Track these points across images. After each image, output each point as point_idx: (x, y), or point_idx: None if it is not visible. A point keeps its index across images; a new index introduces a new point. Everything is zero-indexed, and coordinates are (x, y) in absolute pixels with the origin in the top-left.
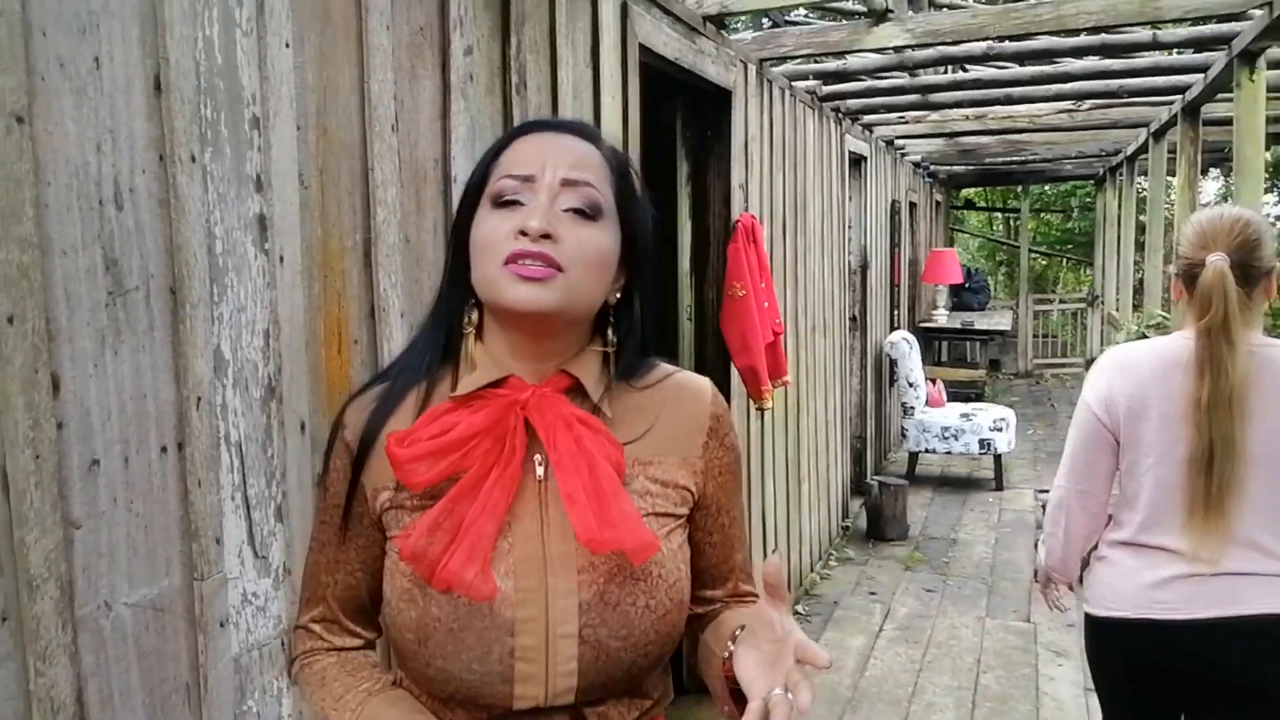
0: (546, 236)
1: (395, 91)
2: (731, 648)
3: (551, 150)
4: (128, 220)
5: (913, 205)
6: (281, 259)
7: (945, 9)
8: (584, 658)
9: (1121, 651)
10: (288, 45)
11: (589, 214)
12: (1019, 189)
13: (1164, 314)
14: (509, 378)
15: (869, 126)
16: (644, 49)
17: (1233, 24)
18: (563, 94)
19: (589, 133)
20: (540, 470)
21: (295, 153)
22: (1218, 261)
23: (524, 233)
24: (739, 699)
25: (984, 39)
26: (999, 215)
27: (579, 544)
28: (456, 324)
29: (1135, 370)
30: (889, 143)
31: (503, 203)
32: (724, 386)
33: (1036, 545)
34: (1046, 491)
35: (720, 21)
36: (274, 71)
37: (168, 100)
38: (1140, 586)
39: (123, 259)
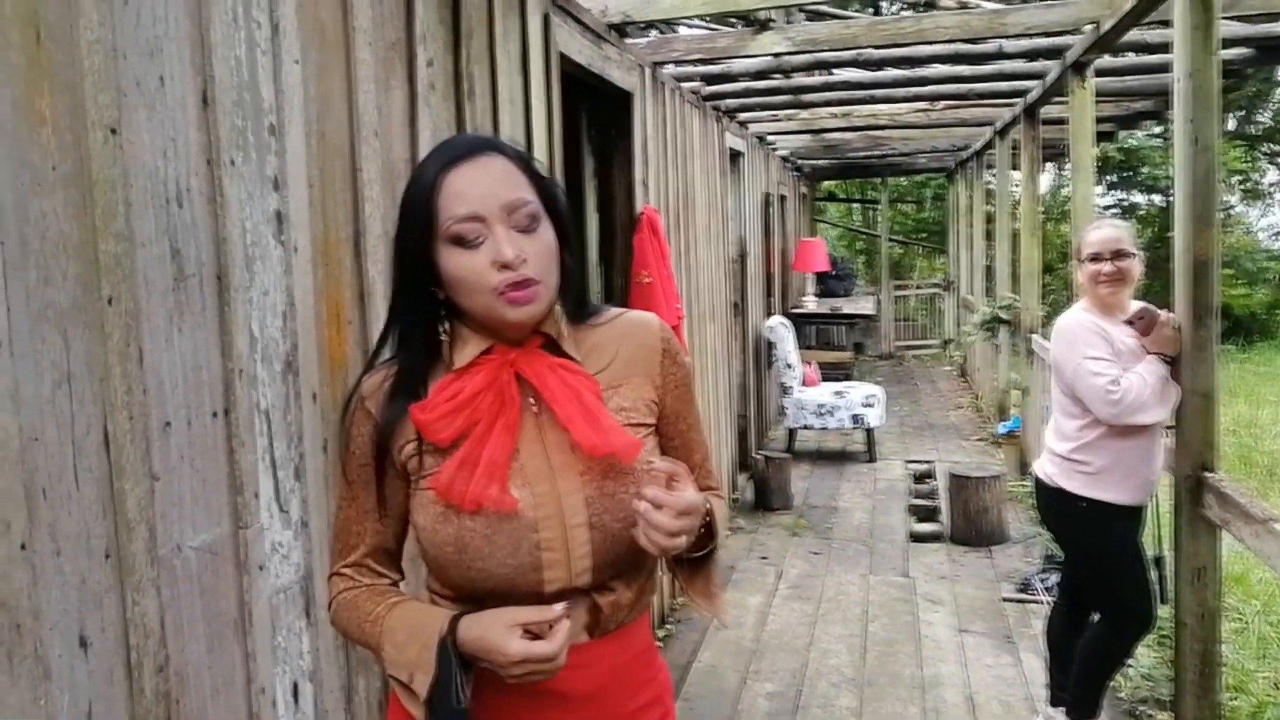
0: (522, 260)
1: (376, 100)
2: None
3: (481, 182)
4: (186, 216)
5: (783, 198)
6: (295, 249)
7: (820, 19)
8: (595, 541)
9: None
10: (296, 61)
11: (532, 224)
12: (878, 181)
13: (1014, 296)
14: (494, 345)
15: (745, 124)
16: (563, 56)
17: (1066, 38)
18: (501, 100)
19: (492, 145)
20: (535, 408)
21: (304, 156)
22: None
23: (504, 265)
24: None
25: (854, 47)
26: (857, 206)
27: (576, 454)
28: (432, 327)
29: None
30: (761, 139)
31: (466, 243)
32: None
33: (933, 508)
34: (915, 461)
35: (622, 30)
36: (287, 85)
37: (213, 112)
38: None
39: (184, 250)
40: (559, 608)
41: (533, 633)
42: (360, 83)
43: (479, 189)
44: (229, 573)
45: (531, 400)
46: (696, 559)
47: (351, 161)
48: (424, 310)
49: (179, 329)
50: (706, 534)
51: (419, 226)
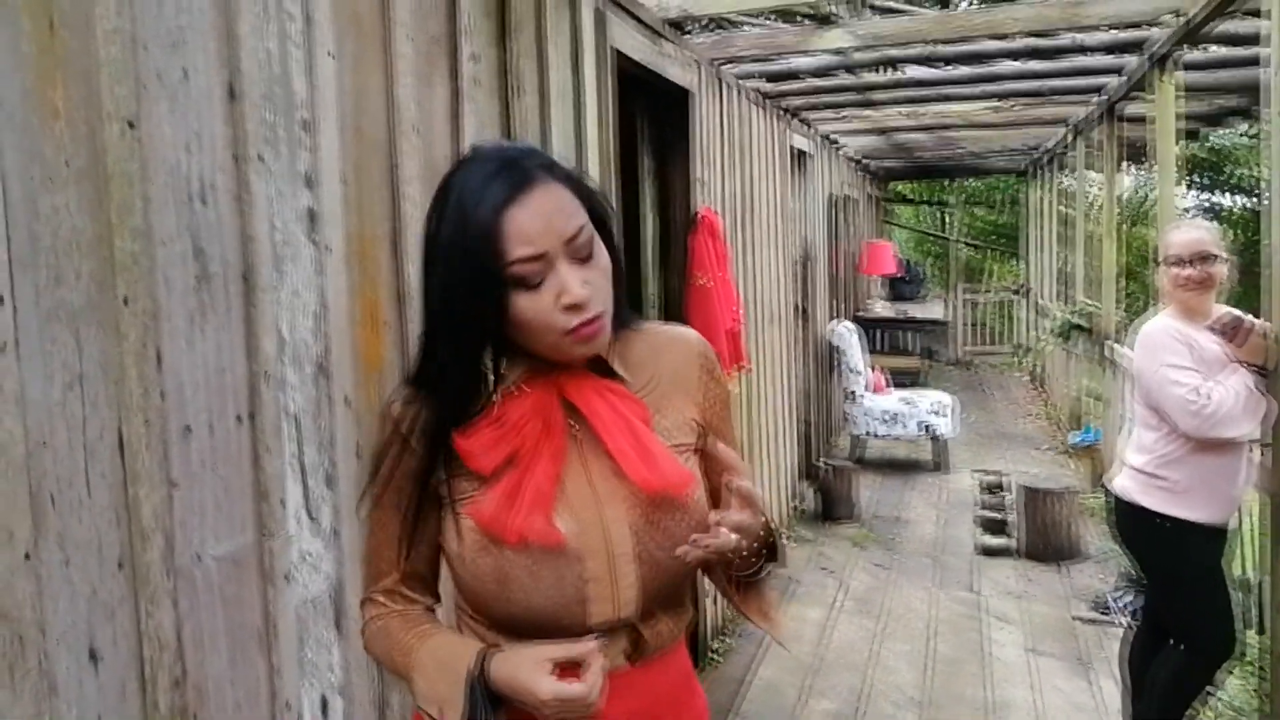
0: (588, 296)
1: (416, 95)
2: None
3: (539, 215)
4: (210, 214)
5: (850, 199)
6: (329, 248)
7: (887, 13)
8: (643, 573)
9: None
10: (330, 55)
11: (591, 250)
12: (949, 183)
13: (1091, 301)
14: (538, 367)
15: (811, 124)
16: (618, 53)
17: (1147, 30)
18: (552, 97)
19: (543, 166)
20: (575, 430)
21: (338, 152)
22: None
23: (573, 306)
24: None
25: (923, 42)
26: (927, 208)
27: (621, 480)
28: (479, 368)
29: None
30: (828, 139)
31: (531, 285)
32: None
33: (1002, 521)
34: (983, 471)
35: (680, 25)
36: (320, 79)
37: (240, 106)
38: None
39: (207, 248)
40: (591, 643)
41: (565, 668)
42: (399, 77)
43: (539, 224)
44: (253, 583)
45: (572, 423)
46: (752, 577)
47: (390, 158)
48: (471, 349)
49: (201, 330)
50: (760, 551)
51: (477, 270)
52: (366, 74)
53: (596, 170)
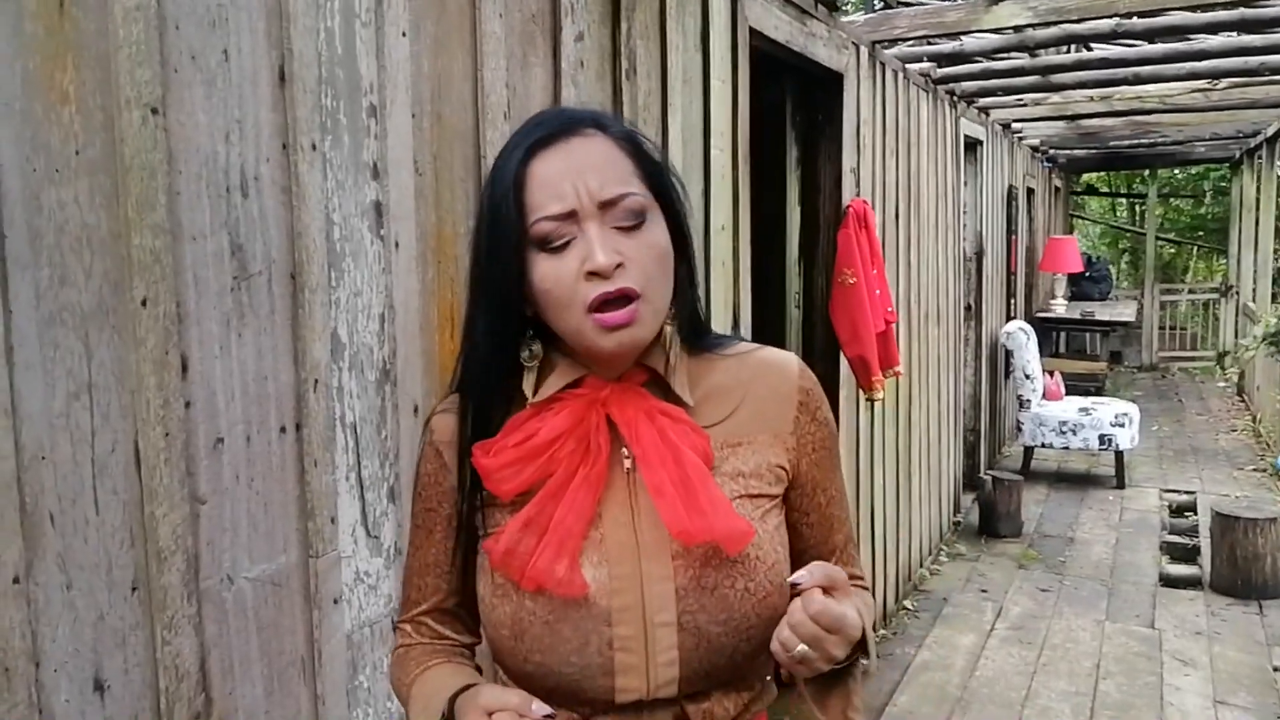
0: (619, 265)
1: (507, 79)
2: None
3: (573, 168)
4: (252, 207)
5: (1030, 191)
6: (397, 245)
7: None
8: (684, 645)
9: None
10: (404, 34)
11: (637, 222)
12: (1146, 173)
13: None
14: (586, 377)
15: (985, 110)
16: (754, 32)
17: None
18: (672, 79)
19: (593, 120)
20: (628, 463)
21: (410, 140)
22: None
23: (594, 273)
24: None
25: (1111, 15)
26: (1123, 201)
27: (675, 538)
28: (514, 352)
29: None
30: (1006, 126)
31: (554, 247)
32: (833, 376)
33: (1192, 548)
34: (1173, 491)
35: (831, 3)
36: (390, 60)
37: (291, 90)
38: None
39: (247, 244)
40: (538, 710)
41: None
42: (487, 59)
43: (570, 178)
44: (295, 606)
45: (625, 452)
46: (834, 671)
47: (476, 147)
48: (506, 334)
49: (238, 334)
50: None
51: (501, 228)
52: (450, 56)
53: (725, 162)
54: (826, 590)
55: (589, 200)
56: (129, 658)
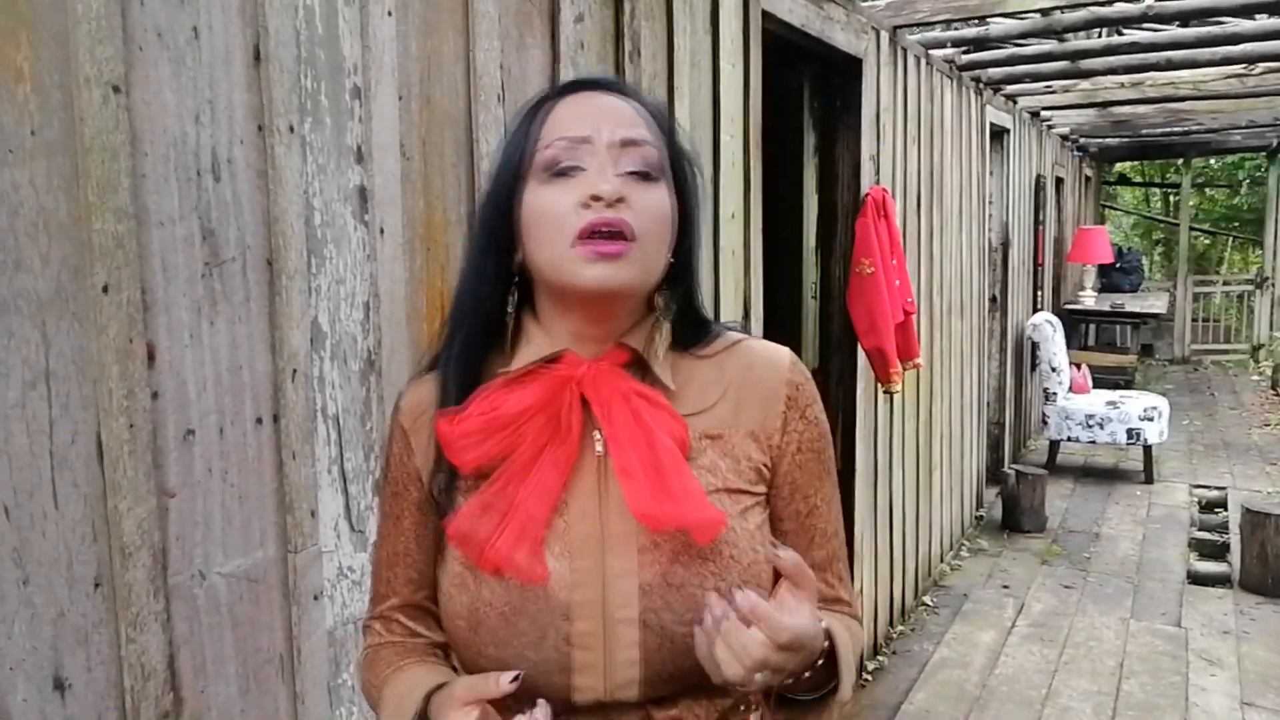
0: (620, 200)
1: (502, 60)
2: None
3: (600, 110)
4: (225, 191)
5: (1059, 180)
6: (382, 231)
7: None
8: (647, 645)
9: None
10: (390, 14)
11: (650, 175)
12: (1179, 162)
13: None
14: (564, 353)
15: (1012, 97)
16: (767, 15)
17: None
18: (678, 62)
19: (629, 89)
20: (600, 448)
21: (397, 123)
22: None
23: (595, 198)
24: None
25: None
26: (1156, 191)
27: (640, 523)
28: (497, 310)
29: None
30: (1034, 114)
31: (559, 171)
32: (850, 368)
33: (1221, 545)
34: (1203, 487)
35: None
36: (375, 41)
37: (267, 70)
38: None
39: (220, 230)
40: (504, 679)
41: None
42: (479, 39)
43: (594, 115)
44: (273, 603)
45: (598, 435)
46: (808, 699)
47: (468, 131)
48: (492, 282)
49: (210, 322)
50: (825, 667)
51: (513, 160)
52: (440, 36)
53: (736, 149)
54: (794, 581)
55: (609, 134)
56: (91, 656)
